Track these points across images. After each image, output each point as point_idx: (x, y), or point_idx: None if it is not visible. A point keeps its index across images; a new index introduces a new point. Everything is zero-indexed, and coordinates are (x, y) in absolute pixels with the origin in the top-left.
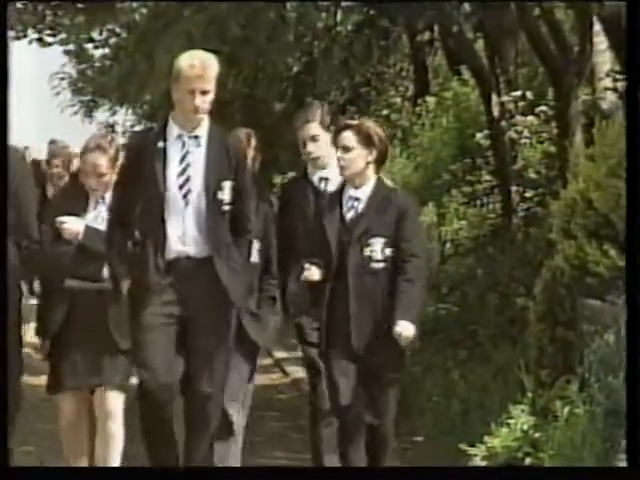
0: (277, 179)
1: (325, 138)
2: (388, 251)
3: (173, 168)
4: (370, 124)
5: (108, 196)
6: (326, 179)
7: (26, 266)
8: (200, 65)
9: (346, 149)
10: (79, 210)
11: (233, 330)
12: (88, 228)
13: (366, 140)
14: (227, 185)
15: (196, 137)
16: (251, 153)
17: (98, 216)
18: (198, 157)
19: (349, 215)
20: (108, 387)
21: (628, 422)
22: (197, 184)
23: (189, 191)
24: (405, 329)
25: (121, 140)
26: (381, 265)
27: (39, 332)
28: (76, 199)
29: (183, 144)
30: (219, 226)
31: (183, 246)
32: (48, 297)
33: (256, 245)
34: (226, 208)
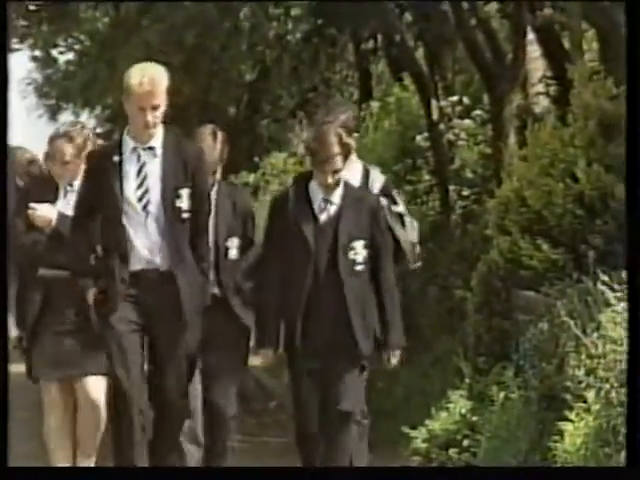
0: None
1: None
2: (366, 252)
3: (131, 181)
4: (351, 142)
5: (77, 184)
6: (329, 202)
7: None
8: (149, 82)
9: (336, 172)
10: (50, 198)
11: (197, 336)
12: (60, 215)
13: (347, 157)
14: (185, 193)
15: (151, 148)
16: (218, 147)
17: (69, 203)
18: (154, 168)
19: (322, 217)
20: (89, 376)
21: (628, 422)
22: (156, 195)
23: (148, 202)
24: (397, 357)
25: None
26: (362, 267)
27: (18, 323)
28: (46, 188)
29: (139, 157)
30: (179, 234)
31: (150, 256)
32: (24, 287)
33: (235, 242)
34: (185, 216)
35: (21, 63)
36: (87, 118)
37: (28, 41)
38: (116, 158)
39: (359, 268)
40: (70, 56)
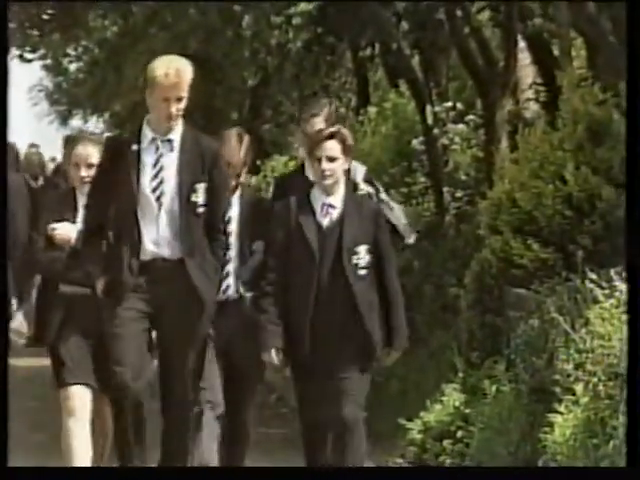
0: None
1: (342, 161)
2: (368, 257)
3: (147, 171)
4: (347, 132)
5: None
6: (331, 206)
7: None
8: (175, 73)
9: (331, 159)
10: (69, 215)
11: (205, 329)
12: (80, 233)
13: (346, 149)
14: (201, 187)
15: (169, 141)
16: (243, 150)
17: None
18: (171, 160)
19: (325, 222)
20: (97, 389)
21: (628, 422)
22: (170, 187)
23: (162, 194)
24: (394, 359)
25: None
26: (365, 272)
27: (38, 338)
28: (65, 204)
29: (157, 148)
30: (193, 228)
31: (157, 248)
32: (44, 303)
33: (259, 245)
34: (200, 210)
35: (33, 71)
36: (96, 123)
37: (40, 51)
38: (134, 147)
39: (362, 272)
40: (80, 64)
